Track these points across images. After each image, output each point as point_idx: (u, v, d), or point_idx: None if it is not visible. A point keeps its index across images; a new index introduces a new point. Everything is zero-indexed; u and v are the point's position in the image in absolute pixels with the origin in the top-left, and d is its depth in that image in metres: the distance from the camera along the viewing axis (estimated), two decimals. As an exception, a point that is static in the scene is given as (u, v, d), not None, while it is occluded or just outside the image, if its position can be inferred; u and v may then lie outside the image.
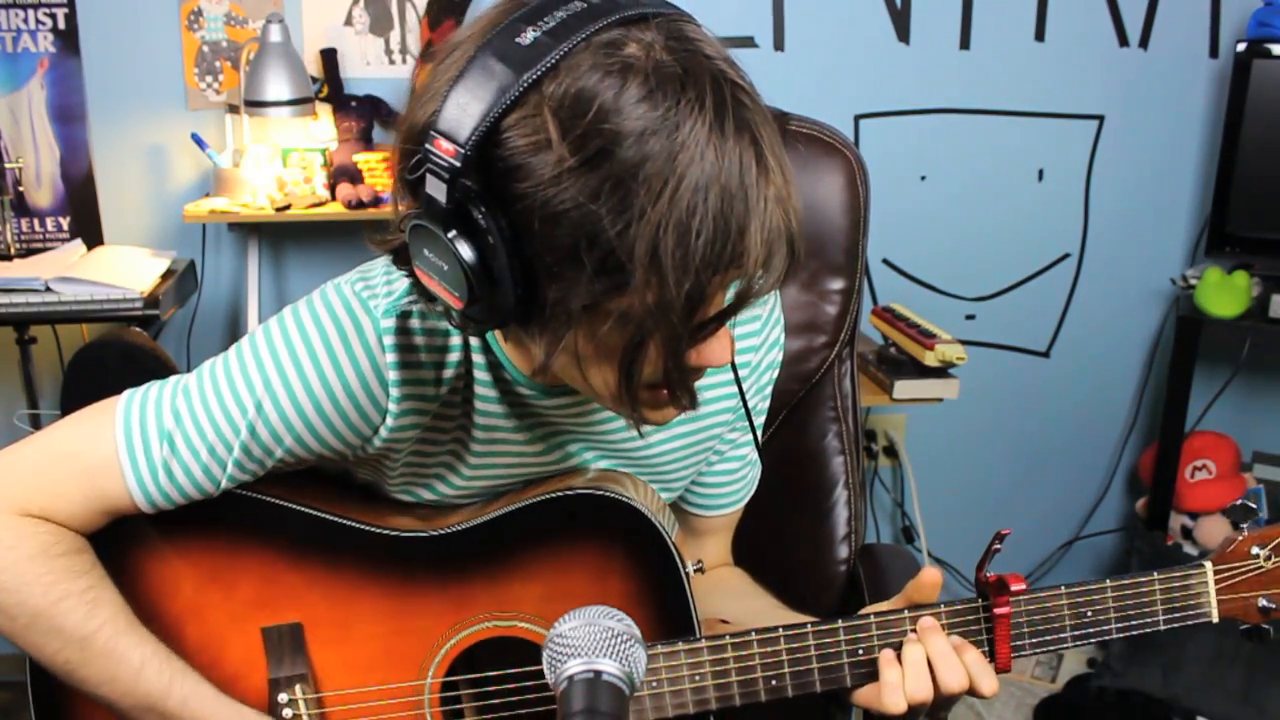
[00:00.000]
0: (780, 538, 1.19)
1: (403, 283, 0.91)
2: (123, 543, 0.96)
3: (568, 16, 0.71)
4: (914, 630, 0.93)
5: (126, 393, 0.95)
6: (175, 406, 0.93)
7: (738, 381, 1.00)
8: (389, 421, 0.93)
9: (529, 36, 0.71)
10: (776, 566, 1.20)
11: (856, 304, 1.45)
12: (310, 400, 0.91)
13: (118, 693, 0.93)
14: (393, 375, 0.91)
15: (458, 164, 0.71)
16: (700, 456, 1.10)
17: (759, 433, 1.15)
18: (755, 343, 1.07)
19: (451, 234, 0.73)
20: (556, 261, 0.72)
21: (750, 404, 1.10)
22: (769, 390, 1.12)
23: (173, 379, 0.96)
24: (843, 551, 1.44)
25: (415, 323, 0.91)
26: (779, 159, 0.74)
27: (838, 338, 1.44)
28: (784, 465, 1.18)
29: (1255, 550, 0.96)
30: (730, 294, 0.77)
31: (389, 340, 0.90)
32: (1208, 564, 0.96)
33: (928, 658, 0.90)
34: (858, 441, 1.47)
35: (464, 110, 0.71)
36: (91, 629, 0.92)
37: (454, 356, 0.94)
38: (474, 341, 0.94)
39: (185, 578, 0.98)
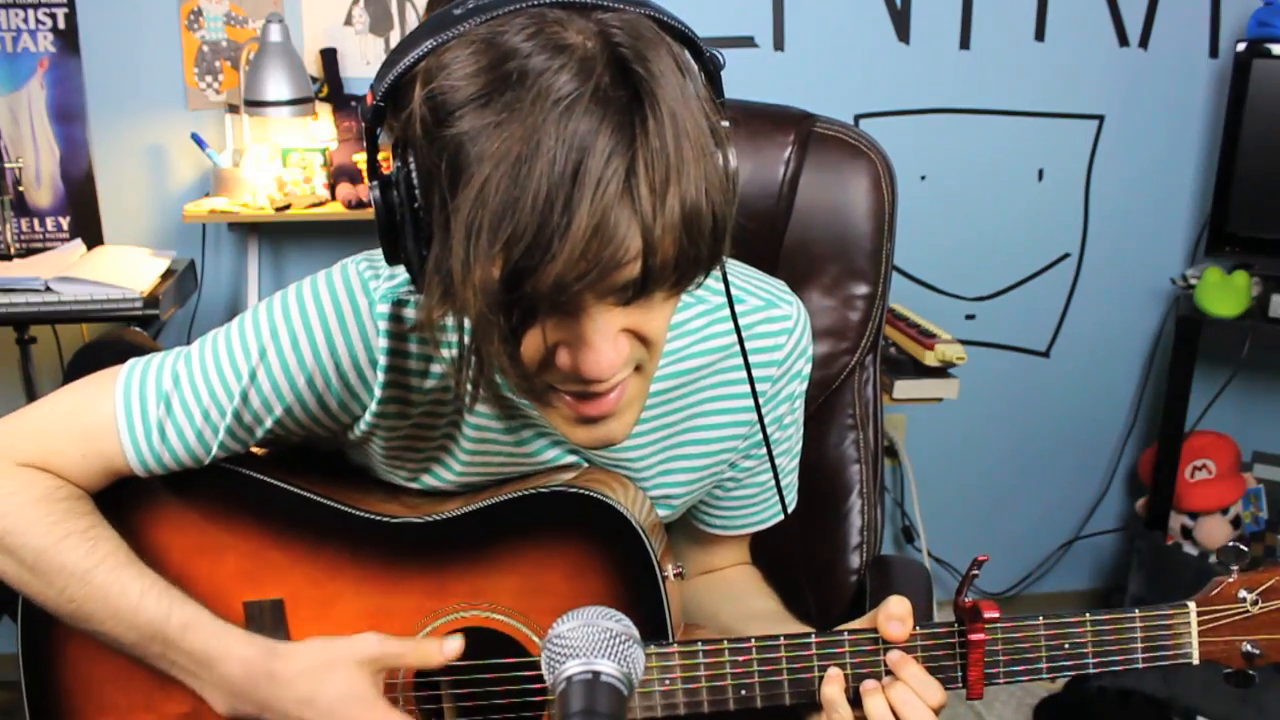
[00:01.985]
0: (790, 545, 1.17)
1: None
2: (114, 509, 0.98)
3: None
4: (882, 671, 0.92)
5: (131, 359, 0.98)
6: (175, 370, 0.95)
7: (758, 407, 0.99)
8: (373, 406, 0.94)
9: (463, 8, 0.72)
10: (786, 574, 1.18)
11: (880, 309, 1.41)
12: (302, 371, 0.92)
13: (122, 627, 0.94)
14: (382, 360, 0.92)
15: (368, 116, 0.75)
16: (703, 483, 1.09)
17: (795, 459, 1.13)
18: (773, 373, 1.04)
19: (373, 183, 0.75)
20: (431, 220, 0.73)
21: (770, 432, 1.07)
22: (788, 420, 1.09)
23: (177, 348, 0.98)
24: (854, 561, 1.40)
25: (411, 312, 0.92)
26: (668, 167, 0.69)
27: (860, 344, 1.40)
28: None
29: (1243, 594, 0.93)
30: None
31: (384, 325, 0.91)
32: (1191, 604, 0.94)
33: (892, 709, 0.89)
34: (878, 451, 1.43)
35: (384, 70, 0.74)
36: (93, 563, 0.93)
37: (448, 353, 0.94)
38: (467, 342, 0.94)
39: (174, 547, 1.00)
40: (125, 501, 0.99)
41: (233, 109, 2.39)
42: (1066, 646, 0.92)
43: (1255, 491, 2.68)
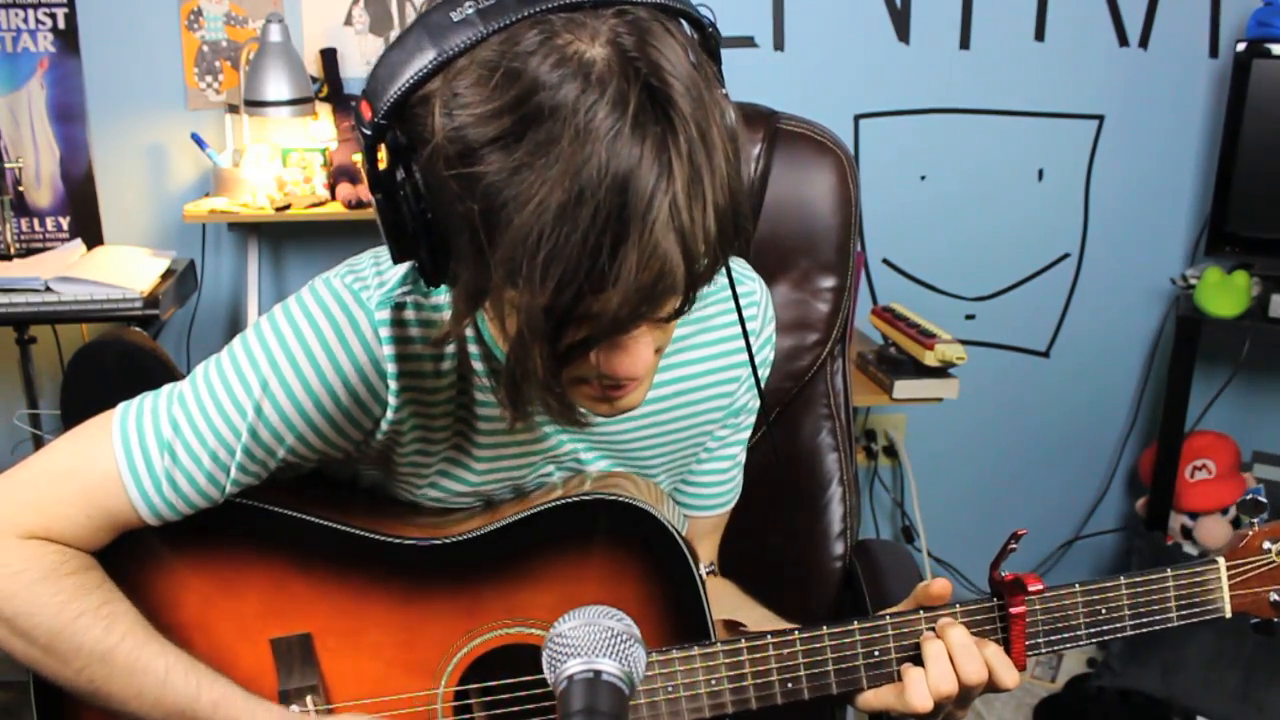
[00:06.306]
0: (775, 535, 1.19)
1: (394, 274, 0.91)
2: (125, 558, 0.95)
3: None
4: (932, 628, 0.93)
5: (121, 406, 0.94)
6: (173, 415, 0.92)
7: (754, 371, 1.00)
8: (389, 415, 0.93)
9: (461, 13, 0.70)
10: (771, 564, 1.20)
11: (848, 301, 1.46)
12: (310, 398, 0.91)
13: (146, 705, 0.92)
14: (391, 367, 0.91)
15: (369, 131, 0.72)
16: (689, 454, 1.10)
17: (748, 432, 1.15)
18: (752, 342, 1.05)
19: (378, 195, 0.74)
20: (451, 235, 0.73)
21: (745, 401, 1.10)
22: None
23: (166, 387, 0.95)
24: (838, 548, 1.45)
25: (410, 314, 0.91)
26: (703, 186, 0.69)
27: (829, 335, 1.45)
28: (777, 463, 1.18)
29: (1267, 545, 0.97)
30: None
31: (385, 332, 0.90)
32: (1220, 560, 0.96)
33: (948, 652, 0.91)
34: (851, 438, 1.48)
35: (383, 81, 0.72)
36: (112, 643, 0.91)
37: (451, 348, 0.94)
38: (469, 333, 0.94)
39: (191, 591, 0.97)
40: (135, 550, 0.95)
41: (233, 109, 2.39)
42: (1104, 611, 0.94)
43: (1255, 491, 2.67)
